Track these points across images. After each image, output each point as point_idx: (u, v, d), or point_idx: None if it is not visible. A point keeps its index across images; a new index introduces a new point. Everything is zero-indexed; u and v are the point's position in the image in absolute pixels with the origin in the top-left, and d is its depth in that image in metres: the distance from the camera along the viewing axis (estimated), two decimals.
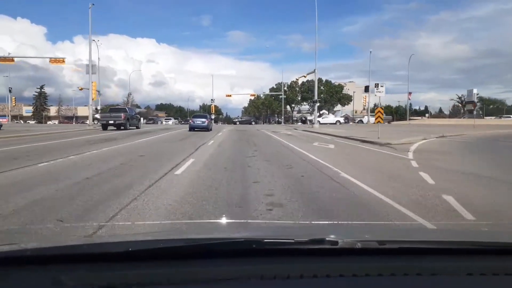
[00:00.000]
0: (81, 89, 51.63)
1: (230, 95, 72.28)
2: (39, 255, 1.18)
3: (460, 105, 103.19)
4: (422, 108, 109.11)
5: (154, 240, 1.47)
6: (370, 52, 58.16)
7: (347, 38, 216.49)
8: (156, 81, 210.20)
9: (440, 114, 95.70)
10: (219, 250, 1.23)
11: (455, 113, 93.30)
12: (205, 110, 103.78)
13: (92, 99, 31.73)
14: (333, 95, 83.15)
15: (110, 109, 34.44)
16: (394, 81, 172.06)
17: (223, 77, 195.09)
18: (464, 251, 1.35)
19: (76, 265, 1.13)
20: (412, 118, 77.18)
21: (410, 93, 70.04)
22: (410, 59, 63.74)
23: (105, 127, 29.73)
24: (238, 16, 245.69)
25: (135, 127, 32.93)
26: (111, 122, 29.40)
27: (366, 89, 52.38)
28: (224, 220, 4.23)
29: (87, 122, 32.65)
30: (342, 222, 4.13)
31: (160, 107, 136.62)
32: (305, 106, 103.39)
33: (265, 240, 1.30)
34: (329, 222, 4.14)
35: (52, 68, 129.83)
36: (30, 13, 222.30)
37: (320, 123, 41.02)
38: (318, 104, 39.45)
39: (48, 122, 76.23)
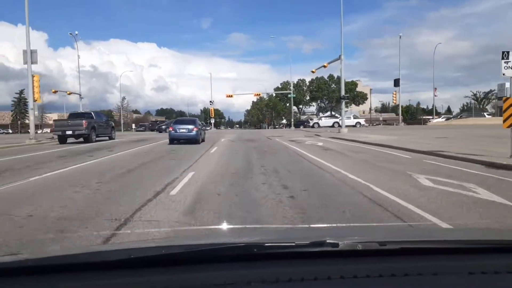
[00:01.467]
0: (55, 92, 45.39)
1: (232, 95, 64.21)
2: (40, 265, 1.15)
3: (476, 102, 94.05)
4: (430, 107, 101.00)
5: (156, 247, 1.41)
6: (400, 37, 48.52)
7: (347, 38, 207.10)
8: (158, 86, 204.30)
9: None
10: (220, 255, 1.20)
11: (464, 111, 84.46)
12: (206, 114, 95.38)
13: (35, 100, 21.14)
14: (346, 93, 74.00)
15: (69, 114, 25.84)
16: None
17: (224, 80, 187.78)
18: (466, 250, 1.31)
19: (78, 274, 1.10)
20: (422, 118, 68.15)
21: (435, 88, 61.19)
22: (435, 51, 55.08)
23: (62, 139, 21.99)
24: (238, 19, 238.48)
25: (107, 137, 25.40)
26: (69, 132, 21.63)
27: (396, 83, 42.38)
28: (225, 226, 4.25)
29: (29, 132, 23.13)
30: (342, 225, 4.08)
31: (161, 112, 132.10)
32: (312, 107, 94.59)
33: (266, 244, 1.28)
34: (329, 225, 4.10)
35: (55, 75, 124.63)
36: (30, 20, 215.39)
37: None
38: (346, 100, 30.74)
39: (37, 132, 67.35)
